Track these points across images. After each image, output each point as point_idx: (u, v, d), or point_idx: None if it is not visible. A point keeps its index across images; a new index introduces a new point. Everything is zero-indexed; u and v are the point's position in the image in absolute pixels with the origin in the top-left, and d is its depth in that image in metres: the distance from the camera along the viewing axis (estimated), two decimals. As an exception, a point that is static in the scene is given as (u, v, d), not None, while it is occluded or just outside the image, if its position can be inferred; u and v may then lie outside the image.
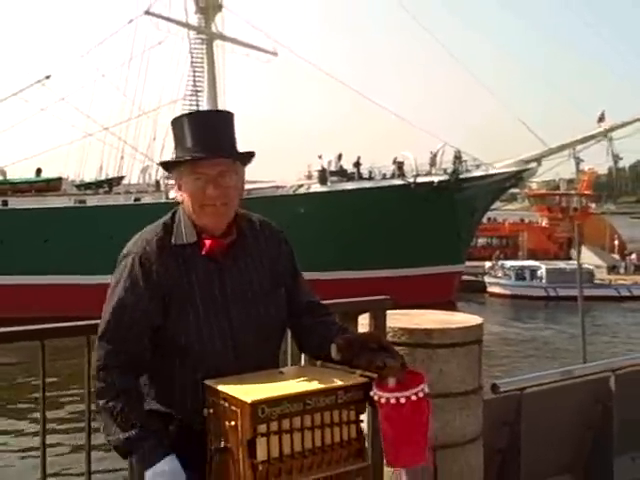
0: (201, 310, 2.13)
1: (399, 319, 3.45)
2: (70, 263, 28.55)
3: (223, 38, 36.09)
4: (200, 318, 2.12)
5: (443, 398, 3.30)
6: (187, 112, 2.45)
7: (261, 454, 1.85)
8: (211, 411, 1.96)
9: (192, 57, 35.24)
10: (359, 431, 2.02)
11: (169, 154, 26.68)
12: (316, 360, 2.25)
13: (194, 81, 34.72)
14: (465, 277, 36.62)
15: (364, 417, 2.17)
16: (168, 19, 34.91)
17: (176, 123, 2.21)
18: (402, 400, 1.92)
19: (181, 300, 2.12)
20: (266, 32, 38.32)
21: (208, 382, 2.00)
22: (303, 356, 2.72)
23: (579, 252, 14.32)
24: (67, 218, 29.76)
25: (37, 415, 2.99)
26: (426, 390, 2.00)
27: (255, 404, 1.83)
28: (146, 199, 30.90)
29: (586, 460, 4.21)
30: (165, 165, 2.30)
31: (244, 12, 40.38)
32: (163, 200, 29.44)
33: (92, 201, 31.92)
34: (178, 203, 2.25)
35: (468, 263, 37.50)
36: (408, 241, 30.04)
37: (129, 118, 34.65)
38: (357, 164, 32.98)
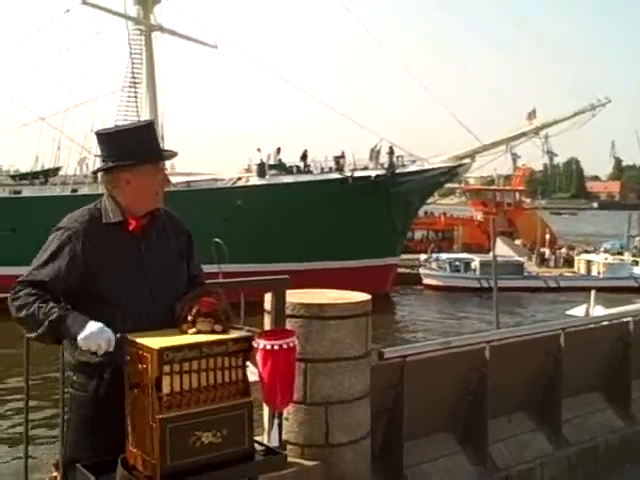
0: (127, 275, 2.75)
1: (300, 296, 4.03)
2: (5, 254, 28.31)
3: (162, 30, 36.05)
4: (127, 282, 2.74)
5: (335, 362, 3.90)
6: (133, 126, 3.07)
7: (165, 389, 2.44)
8: (128, 358, 2.51)
9: (130, 48, 35.06)
10: (245, 374, 2.60)
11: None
12: None
13: (132, 72, 34.56)
14: (402, 270, 37.55)
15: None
16: (106, 9, 34.68)
17: (125, 134, 2.84)
18: (276, 347, 2.52)
19: (111, 267, 2.73)
20: (206, 25, 38.47)
21: (128, 336, 2.55)
22: None
23: (494, 245, 15.67)
24: (2, 208, 29.49)
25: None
26: (295, 342, 2.60)
27: (161, 350, 2.42)
28: (83, 190, 30.72)
29: (465, 421, 4.88)
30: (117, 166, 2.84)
31: (185, 4, 40.40)
32: (100, 191, 29.27)
33: (28, 192, 31.65)
34: None
35: (405, 256, 38.42)
36: (345, 234, 30.66)
37: (66, 109, 34.36)
38: (304, 157, 33.42)
